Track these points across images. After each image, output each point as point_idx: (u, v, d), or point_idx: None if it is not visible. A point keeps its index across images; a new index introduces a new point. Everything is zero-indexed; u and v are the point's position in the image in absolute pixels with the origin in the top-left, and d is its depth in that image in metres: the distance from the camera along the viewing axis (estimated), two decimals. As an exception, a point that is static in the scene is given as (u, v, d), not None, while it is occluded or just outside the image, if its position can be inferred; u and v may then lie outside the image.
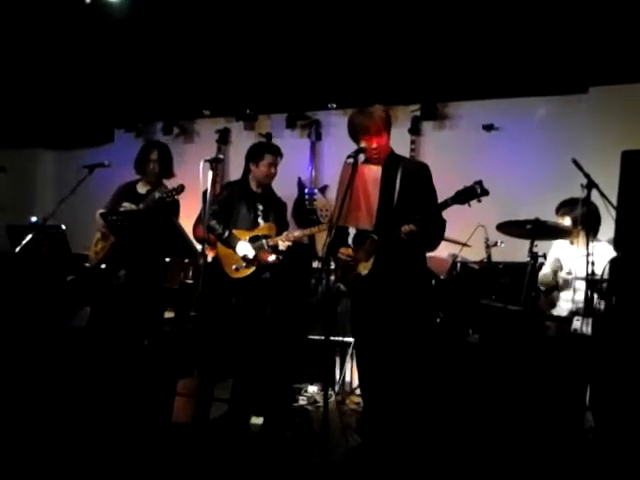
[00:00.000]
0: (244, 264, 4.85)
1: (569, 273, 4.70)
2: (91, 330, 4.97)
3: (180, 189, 4.78)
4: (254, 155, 5.02)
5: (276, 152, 5.04)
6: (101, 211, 5.02)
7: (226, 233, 4.87)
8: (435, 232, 3.79)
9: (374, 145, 3.72)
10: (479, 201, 3.48)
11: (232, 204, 5.00)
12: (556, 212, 4.81)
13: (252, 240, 4.91)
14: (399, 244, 3.61)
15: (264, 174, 4.99)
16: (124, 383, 4.42)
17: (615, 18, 5.21)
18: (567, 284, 4.70)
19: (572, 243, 4.81)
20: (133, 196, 5.06)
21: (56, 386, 4.37)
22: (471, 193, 3.46)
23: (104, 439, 3.74)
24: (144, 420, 4.07)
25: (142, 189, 5.14)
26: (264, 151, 5.01)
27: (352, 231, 3.90)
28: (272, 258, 4.83)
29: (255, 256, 4.83)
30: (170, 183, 5.09)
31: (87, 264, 5.10)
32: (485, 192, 3.45)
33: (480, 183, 3.46)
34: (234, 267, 4.87)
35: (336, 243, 3.71)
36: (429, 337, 4.30)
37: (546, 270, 4.85)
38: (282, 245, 4.88)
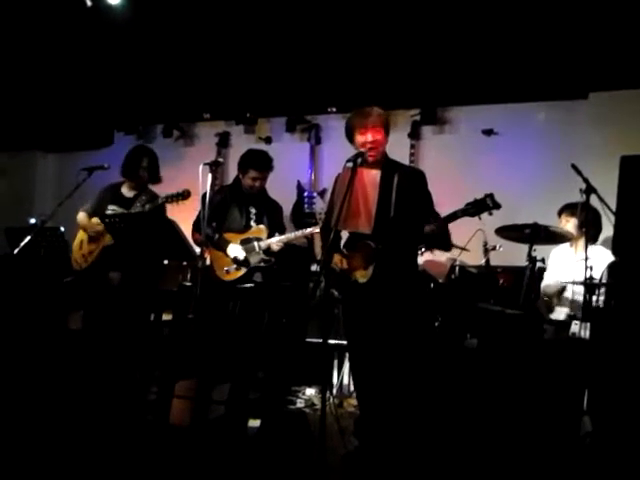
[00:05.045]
0: (234, 266, 4.86)
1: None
2: (86, 333, 4.95)
3: (187, 194, 4.72)
4: (241, 166, 5.02)
5: (262, 168, 4.97)
6: (82, 213, 5.07)
7: (216, 236, 4.89)
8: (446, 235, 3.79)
9: (370, 139, 3.61)
10: (490, 214, 3.43)
11: (225, 207, 5.00)
12: (559, 214, 4.80)
13: (243, 243, 4.91)
14: (397, 251, 3.57)
15: (249, 186, 4.99)
16: (119, 384, 4.42)
17: (615, 25, 5.22)
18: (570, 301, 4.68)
19: (571, 246, 4.81)
20: (119, 199, 5.05)
21: (52, 387, 4.36)
22: (481, 206, 3.40)
23: (101, 440, 3.74)
24: (141, 421, 4.07)
25: (128, 193, 5.10)
26: (249, 166, 4.96)
27: (344, 234, 3.80)
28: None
29: (245, 258, 4.82)
30: (154, 188, 5.11)
31: (76, 268, 5.02)
32: (497, 205, 3.39)
33: (491, 196, 3.40)
34: (225, 269, 4.88)
35: (331, 248, 3.59)
36: (427, 341, 4.30)
37: (549, 282, 4.84)
38: (275, 247, 4.88)
